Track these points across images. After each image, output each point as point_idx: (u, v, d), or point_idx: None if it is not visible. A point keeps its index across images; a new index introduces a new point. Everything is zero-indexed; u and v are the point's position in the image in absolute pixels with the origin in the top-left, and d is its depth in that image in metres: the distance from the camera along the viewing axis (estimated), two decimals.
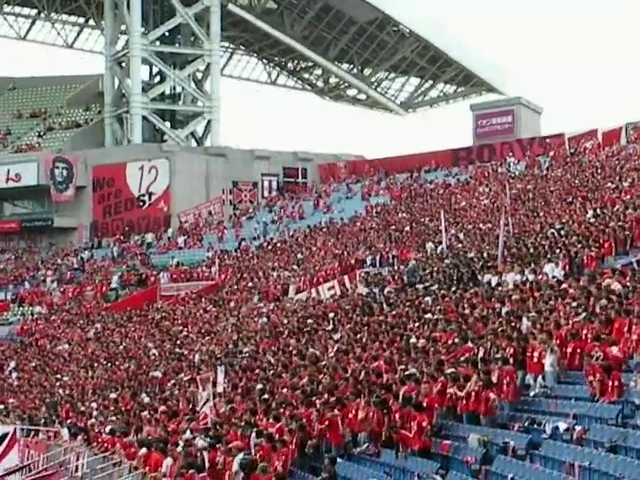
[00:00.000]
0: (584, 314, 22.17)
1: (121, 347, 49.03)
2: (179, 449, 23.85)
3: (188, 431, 25.98)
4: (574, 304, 23.78)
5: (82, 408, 36.86)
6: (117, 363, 45.32)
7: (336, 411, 21.51)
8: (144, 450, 24.87)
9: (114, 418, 32.41)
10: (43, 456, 31.98)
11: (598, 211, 39.78)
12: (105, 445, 28.89)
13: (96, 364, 46.74)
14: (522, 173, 60.07)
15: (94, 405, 36.83)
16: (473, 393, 20.06)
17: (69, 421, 35.25)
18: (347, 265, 50.35)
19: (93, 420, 33.60)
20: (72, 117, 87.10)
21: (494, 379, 20.23)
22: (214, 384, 29.23)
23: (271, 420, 22.89)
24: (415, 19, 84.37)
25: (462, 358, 22.32)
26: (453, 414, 20.85)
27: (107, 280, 66.31)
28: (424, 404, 20.12)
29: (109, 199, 77.38)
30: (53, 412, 37.87)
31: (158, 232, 74.34)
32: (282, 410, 23.41)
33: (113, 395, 37.63)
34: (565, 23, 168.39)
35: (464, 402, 20.28)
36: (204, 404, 27.99)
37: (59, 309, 63.92)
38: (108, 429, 30.16)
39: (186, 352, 42.32)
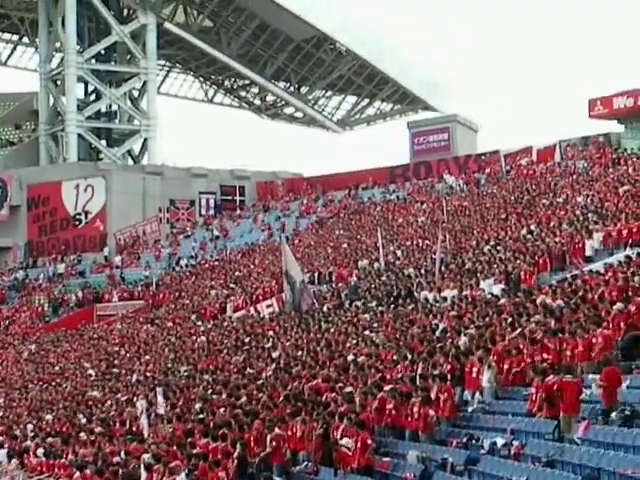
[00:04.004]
0: (519, 330, 22.32)
1: (57, 367, 48.43)
2: (114, 469, 23.54)
3: (123, 452, 25.67)
4: (509, 320, 23.95)
5: (17, 431, 36.23)
6: (53, 384, 44.71)
7: (277, 430, 21.37)
8: (78, 473, 24.51)
9: (50, 440, 31.89)
10: None
11: (532, 227, 40.16)
12: (39, 468, 28.41)
13: (31, 385, 46.08)
14: (458, 190, 60.52)
15: (30, 427, 36.24)
16: (414, 410, 20.06)
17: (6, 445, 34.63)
18: None
19: (28, 442, 33.02)
20: (5, 135, 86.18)
21: (433, 396, 20.26)
22: (151, 404, 29.00)
23: (209, 440, 22.65)
24: (352, 37, 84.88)
25: (400, 375, 22.34)
26: (392, 431, 20.85)
27: (52, 296, 65.61)
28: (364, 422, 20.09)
29: (44, 218, 76.49)
30: None
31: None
32: (221, 430, 23.16)
33: (49, 416, 37.07)
34: (499, 42, 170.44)
35: (406, 419, 20.27)
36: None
37: None
38: (41, 451, 29.71)
39: (123, 372, 41.87)
